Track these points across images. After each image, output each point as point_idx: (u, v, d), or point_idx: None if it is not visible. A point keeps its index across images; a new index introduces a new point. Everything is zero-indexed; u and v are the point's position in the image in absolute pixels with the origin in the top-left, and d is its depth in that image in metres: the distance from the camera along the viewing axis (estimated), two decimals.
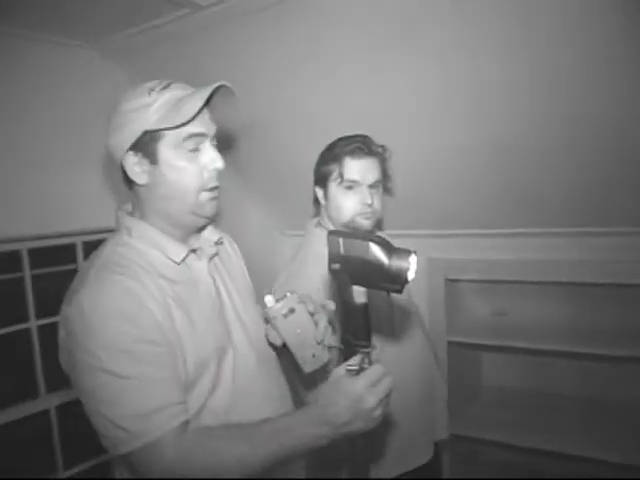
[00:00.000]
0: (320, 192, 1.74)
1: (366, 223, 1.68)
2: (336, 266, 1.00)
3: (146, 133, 1.09)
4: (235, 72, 1.96)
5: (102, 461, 2.34)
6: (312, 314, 1.18)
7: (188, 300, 1.14)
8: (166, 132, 1.09)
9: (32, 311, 2.14)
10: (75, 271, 2.16)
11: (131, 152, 1.11)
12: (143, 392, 1.02)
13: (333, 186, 1.69)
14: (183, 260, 1.17)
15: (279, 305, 1.14)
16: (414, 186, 2.25)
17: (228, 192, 1.54)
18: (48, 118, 2.07)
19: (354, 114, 2.04)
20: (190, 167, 1.12)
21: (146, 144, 1.09)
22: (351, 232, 1.02)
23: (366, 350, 1.03)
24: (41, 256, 2.20)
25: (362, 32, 1.77)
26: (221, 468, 1.03)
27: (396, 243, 2.20)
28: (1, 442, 1.99)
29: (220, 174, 1.17)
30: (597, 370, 2.58)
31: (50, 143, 2.07)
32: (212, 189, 1.15)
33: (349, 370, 1.02)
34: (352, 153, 1.65)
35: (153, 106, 1.08)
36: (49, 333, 2.18)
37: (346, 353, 1.06)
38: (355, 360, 1.03)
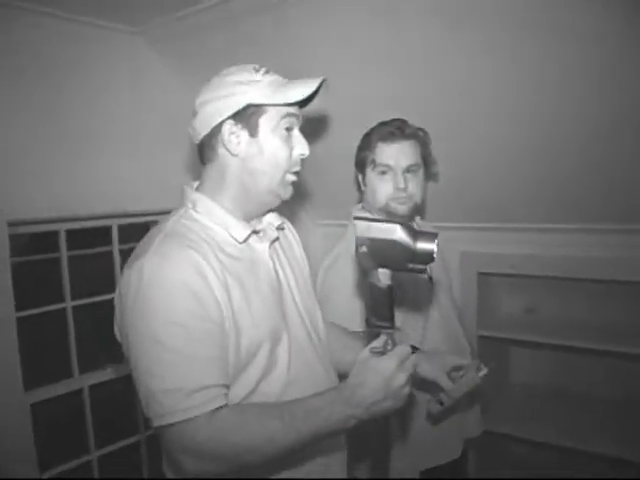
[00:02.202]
0: (360, 177, 1.77)
1: (401, 208, 1.67)
2: (363, 249, 1.02)
3: (249, 106, 1.13)
4: (280, 59, 1.96)
5: (133, 442, 2.38)
6: None
7: (247, 279, 1.15)
8: (268, 108, 1.14)
9: (68, 291, 2.18)
10: (110, 253, 2.23)
11: (231, 121, 1.14)
12: (188, 369, 1.02)
13: (369, 171, 1.71)
14: (245, 240, 1.18)
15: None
16: (449, 179, 2.23)
17: None
18: (89, 101, 2.10)
19: (393, 105, 2.01)
20: (284, 146, 1.17)
21: (249, 116, 1.14)
22: (374, 217, 1.05)
23: (390, 331, 1.05)
24: (77, 238, 2.23)
25: (413, 25, 1.76)
26: (252, 448, 1.04)
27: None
28: (37, 419, 2.02)
29: (302, 161, 1.23)
30: (628, 369, 2.52)
31: (88, 126, 2.10)
32: (295, 173, 1.22)
33: (374, 352, 1.04)
34: (385, 138, 1.67)
35: (262, 83, 1.14)
36: (83, 314, 2.22)
37: (370, 335, 1.08)
38: (379, 341, 1.05)
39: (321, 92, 1.20)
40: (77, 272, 2.15)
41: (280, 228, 1.34)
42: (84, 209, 2.12)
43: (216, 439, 1.03)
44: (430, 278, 1.79)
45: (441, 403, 1.40)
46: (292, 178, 1.21)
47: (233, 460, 1.05)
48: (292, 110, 1.17)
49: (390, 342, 1.04)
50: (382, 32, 1.84)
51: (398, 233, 1.00)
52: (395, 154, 1.66)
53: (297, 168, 1.22)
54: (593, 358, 2.56)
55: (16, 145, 1.92)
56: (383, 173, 1.67)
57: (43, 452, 2.03)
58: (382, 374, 1.00)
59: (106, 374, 2.25)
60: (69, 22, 1.99)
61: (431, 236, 1.00)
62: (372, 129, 1.73)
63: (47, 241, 2.19)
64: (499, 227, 2.46)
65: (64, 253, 2.17)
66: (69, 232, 2.19)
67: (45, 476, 2.07)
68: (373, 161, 1.68)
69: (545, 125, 1.91)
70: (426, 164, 1.75)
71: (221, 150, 1.17)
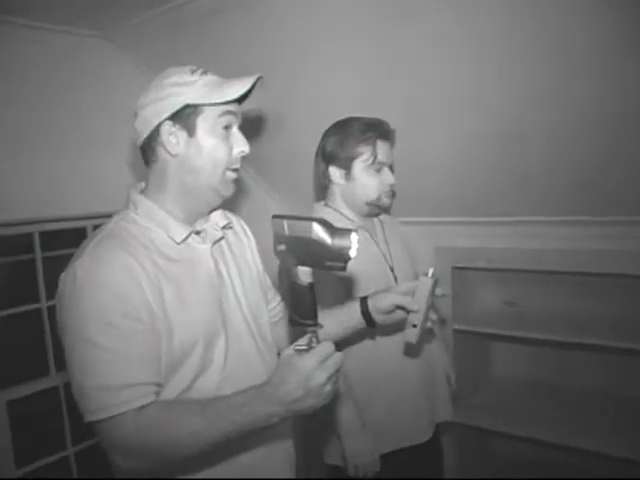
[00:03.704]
0: (337, 172, 1.79)
1: (388, 201, 1.82)
2: (282, 247, 1.02)
3: (187, 107, 1.16)
4: (247, 58, 2.03)
5: None
6: None
7: (183, 280, 1.18)
8: (205, 108, 1.17)
9: (43, 292, 2.24)
10: None
11: (169, 122, 1.17)
12: (116, 367, 1.05)
13: (360, 167, 1.76)
14: (184, 240, 1.21)
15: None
16: (420, 174, 2.25)
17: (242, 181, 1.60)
18: (61, 105, 2.14)
19: (365, 101, 2.03)
20: (222, 144, 1.20)
21: (187, 117, 1.17)
22: (294, 215, 1.04)
23: (313, 329, 1.05)
24: (52, 239, 2.28)
25: (371, 19, 1.77)
26: (175, 442, 1.06)
27: (406, 231, 2.22)
28: (14, 415, 2.08)
29: (243, 158, 1.26)
30: (608, 362, 2.52)
31: (62, 129, 2.15)
32: (235, 170, 1.24)
33: (298, 350, 1.04)
34: (382, 136, 1.76)
35: (198, 83, 1.17)
36: None
37: (295, 333, 1.08)
38: (304, 339, 1.05)
39: (258, 89, 1.23)
40: (52, 273, 2.20)
41: (228, 227, 1.36)
42: (58, 211, 2.17)
43: (141, 434, 1.05)
44: (392, 270, 1.82)
45: (414, 325, 1.37)
46: (233, 176, 1.24)
47: (158, 455, 1.08)
48: (229, 108, 1.20)
49: (314, 340, 1.04)
50: (346, 30, 1.85)
51: (314, 230, 1.00)
52: (388, 152, 1.78)
53: (237, 165, 1.24)
54: (574, 352, 2.56)
55: None
56: (377, 170, 1.76)
57: (21, 448, 2.09)
58: (301, 372, 1.00)
59: None
60: (40, 31, 2.05)
61: (346, 233, 1.00)
62: (363, 126, 1.75)
63: (23, 242, 2.24)
64: (472, 221, 2.49)
65: (38, 255, 2.23)
66: (44, 234, 2.24)
67: (23, 471, 2.12)
68: (373, 157, 1.74)
69: (518, 118, 1.90)
70: None
71: (161, 151, 1.20)
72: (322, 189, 1.87)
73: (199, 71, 1.20)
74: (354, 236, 1.00)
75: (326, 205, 1.84)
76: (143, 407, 1.06)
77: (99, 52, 2.26)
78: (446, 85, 1.90)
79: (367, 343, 1.75)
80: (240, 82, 1.18)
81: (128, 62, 2.34)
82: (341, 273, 1.62)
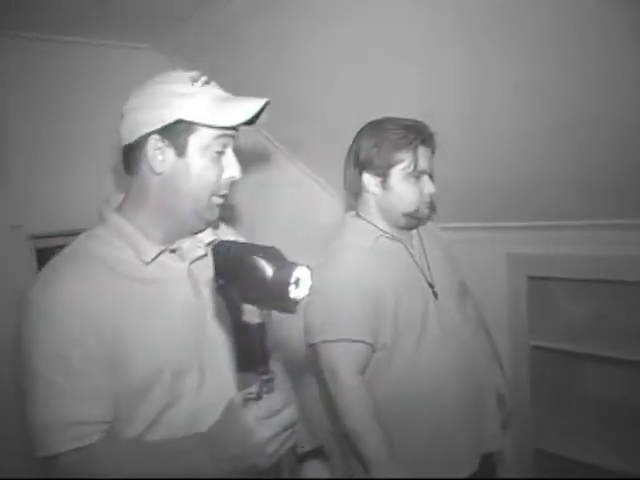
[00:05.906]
0: (372, 180, 1.61)
1: (426, 212, 1.63)
2: (221, 282, 0.88)
3: (180, 122, 1.04)
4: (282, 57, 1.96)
5: None
6: None
7: (150, 302, 1.07)
8: (200, 127, 1.06)
9: None
10: None
11: (157, 136, 1.05)
12: (60, 403, 0.99)
13: (398, 175, 1.58)
14: (154, 259, 1.10)
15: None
16: (489, 176, 2.03)
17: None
18: (101, 118, 2.13)
19: (404, 98, 1.87)
20: (213, 167, 1.09)
21: (177, 133, 1.05)
22: (237, 243, 0.90)
23: (267, 376, 0.89)
24: None
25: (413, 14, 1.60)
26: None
27: (472, 237, 2.03)
28: None
29: (232, 184, 1.15)
30: None
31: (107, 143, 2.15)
32: (223, 196, 1.14)
33: (248, 398, 0.89)
34: (424, 141, 1.57)
35: (198, 96, 1.05)
36: None
37: (246, 378, 0.91)
38: (254, 387, 0.89)
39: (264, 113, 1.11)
40: None
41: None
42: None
43: (83, 470, 0.99)
44: (430, 285, 1.63)
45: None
46: (218, 201, 1.13)
47: None
48: (226, 131, 1.08)
49: (266, 388, 0.88)
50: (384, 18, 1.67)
51: (254, 264, 0.82)
52: (429, 158, 1.60)
53: (225, 191, 1.13)
54: None
55: (35, 164, 2.01)
56: (417, 177, 1.58)
57: None
58: (239, 427, 0.88)
59: None
60: (83, 46, 2.09)
61: (290, 266, 0.82)
62: (403, 130, 1.57)
63: None
64: (549, 225, 2.21)
65: None
66: None
67: None
68: (415, 164, 1.56)
69: (579, 108, 1.64)
70: None
71: (143, 165, 1.09)
72: (354, 197, 1.69)
73: (201, 80, 1.08)
74: (300, 271, 0.82)
75: (357, 216, 1.66)
76: (86, 447, 0.99)
77: (148, 63, 2.25)
78: (522, 79, 1.66)
79: (399, 360, 1.56)
80: (243, 105, 1.07)
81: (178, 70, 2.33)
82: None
